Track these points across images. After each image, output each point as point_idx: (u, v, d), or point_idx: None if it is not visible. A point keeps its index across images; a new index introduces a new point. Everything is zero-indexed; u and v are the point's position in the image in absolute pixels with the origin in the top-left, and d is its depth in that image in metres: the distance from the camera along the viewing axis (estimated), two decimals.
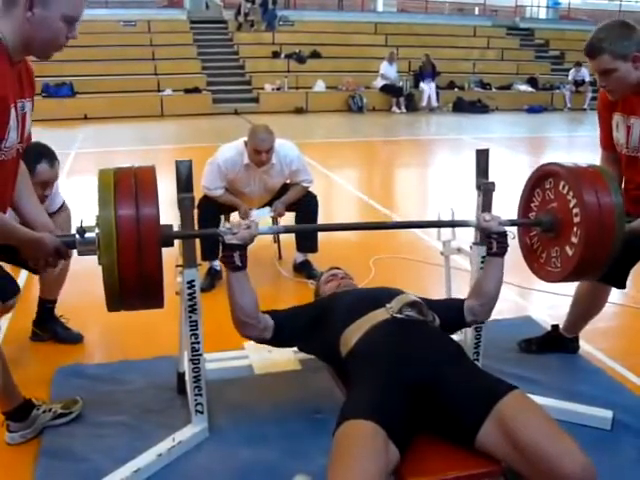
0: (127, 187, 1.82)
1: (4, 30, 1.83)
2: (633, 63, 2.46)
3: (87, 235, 1.87)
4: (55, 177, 3.02)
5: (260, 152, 3.90)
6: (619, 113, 2.67)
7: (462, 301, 2.38)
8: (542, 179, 2.48)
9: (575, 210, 2.26)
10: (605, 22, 2.57)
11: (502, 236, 2.29)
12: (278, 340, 2.32)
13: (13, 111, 1.88)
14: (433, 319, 2.24)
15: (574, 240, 2.27)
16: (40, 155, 2.86)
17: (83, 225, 1.89)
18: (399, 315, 2.17)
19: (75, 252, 2.00)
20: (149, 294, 1.89)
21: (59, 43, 1.92)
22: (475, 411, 1.86)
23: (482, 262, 2.69)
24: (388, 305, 2.21)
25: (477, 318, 2.38)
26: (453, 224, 2.73)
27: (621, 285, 2.90)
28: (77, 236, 1.89)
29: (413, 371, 1.96)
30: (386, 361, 2.01)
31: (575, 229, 2.26)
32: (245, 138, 4.01)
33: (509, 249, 2.33)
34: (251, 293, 2.19)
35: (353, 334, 2.16)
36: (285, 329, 2.31)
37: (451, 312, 2.36)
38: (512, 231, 2.33)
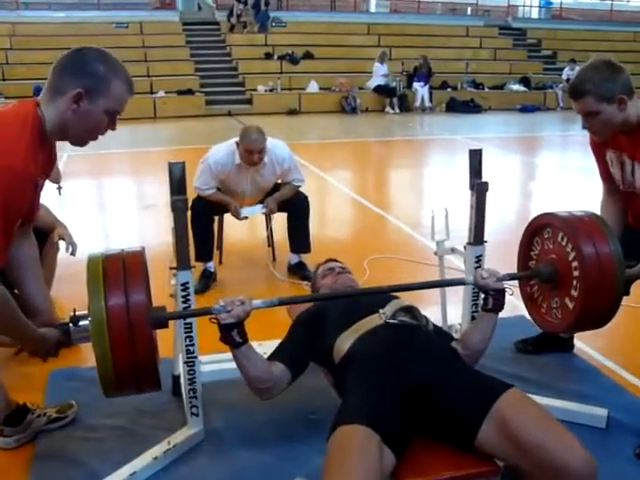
0: (116, 276, 1.82)
1: (46, 114, 1.88)
2: (618, 105, 2.39)
3: (81, 323, 1.88)
4: None
5: (252, 152, 3.91)
6: (611, 150, 2.64)
7: (450, 339, 2.30)
8: (540, 229, 2.41)
9: (574, 263, 2.21)
10: (590, 61, 2.47)
11: (499, 293, 2.21)
12: (298, 375, 2.25)
13: None
14: (427, 323, 2.22)
15: (574, 293, 2.22)
16: None
17: (76, 314, 1.90)
18: (392, 320, 2.15)
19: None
20: (144, 381, 1.89)
21: (98, 134, 1.97)
22: (472, 412, 1.85)
23: (476, 262, 2.70)
24: (381, 311, 2.19)
25: None
26: (450, 283, 2.68)
27: (625, 292, 2.84)
28: (71, 325, 1.90)
29: (407, 375, 1.95)
30: (379, 366, 2.00)
31: (575, 282, 2.21)
32: (237, 138, 4.02)
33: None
34: (261, 361, 2.13)
35: (346, 340, 2.14)
36: (298, 363, 2.25)
37: None
38: (509, 287, 2.24)
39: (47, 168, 2.03)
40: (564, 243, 2.27)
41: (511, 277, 2.31)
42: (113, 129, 1.97)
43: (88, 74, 1.85)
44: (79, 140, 1.98)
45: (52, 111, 1.88)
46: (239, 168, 4.06)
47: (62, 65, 1.88)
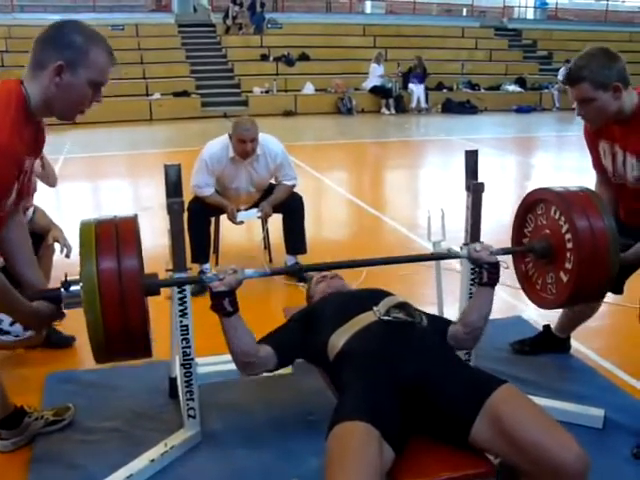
0: (108, 241, 1.81)
1: (30, 90, 1.87)
2: (613, 93, 2.40)
3: (72, 288, 1.87)
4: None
5: (245, 142, 3.97)
6: (604, 140, 2.64)
7: (448, 323, 2.31)
8: (534, 204, 2.42)
9: (567, 236, 2.21)
10: (587, 49, 2.50)
11: (494, 267, 2.22)
12: (283, 363, 2.27)
13: None
14: (421, 320, 2.22)
15: (568, 266, 2.22)
16: None
17: (68, 279, 1.88)
18: (386, 317, 2.16)
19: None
20: (135, 346, 1.88)
21: (83, 107, 1.95)
22: (467, 407, 1.86)
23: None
24: (375, 308, 2.20)
25: (459, 345, 2.28)
26: (444, 256, 2.68)
27: (618, 291, 2.84)
28: (62, 290, 1.89)
29: (401, 372, 1.95)
30: (373, 362, 2.01)
31: (568, 255, 2.22)
32: (230, 132, 4.06)
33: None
34: (248, 333, 2.15)
35: (340, 338, 2.14)
36: (286, 350, 2.26)
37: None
38: (504, 261, 2.26)
39: (34, 146, 2.01)
40: (557, 217, 2.28)
41: (505, 251, 2.32)
42: (99, 101, 1.95)
43: (66, 46, 1.84)
44: (65, 114, 1.96)
45: (35, 87, 1.86)
46: (233, 162, 4.11)
47: (41, 40, 1.87)
